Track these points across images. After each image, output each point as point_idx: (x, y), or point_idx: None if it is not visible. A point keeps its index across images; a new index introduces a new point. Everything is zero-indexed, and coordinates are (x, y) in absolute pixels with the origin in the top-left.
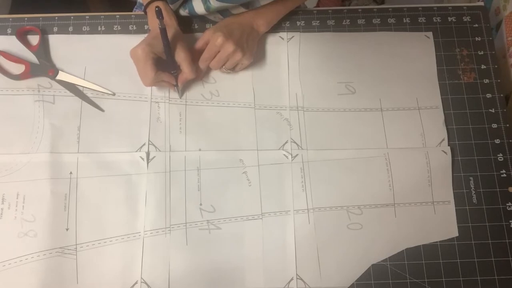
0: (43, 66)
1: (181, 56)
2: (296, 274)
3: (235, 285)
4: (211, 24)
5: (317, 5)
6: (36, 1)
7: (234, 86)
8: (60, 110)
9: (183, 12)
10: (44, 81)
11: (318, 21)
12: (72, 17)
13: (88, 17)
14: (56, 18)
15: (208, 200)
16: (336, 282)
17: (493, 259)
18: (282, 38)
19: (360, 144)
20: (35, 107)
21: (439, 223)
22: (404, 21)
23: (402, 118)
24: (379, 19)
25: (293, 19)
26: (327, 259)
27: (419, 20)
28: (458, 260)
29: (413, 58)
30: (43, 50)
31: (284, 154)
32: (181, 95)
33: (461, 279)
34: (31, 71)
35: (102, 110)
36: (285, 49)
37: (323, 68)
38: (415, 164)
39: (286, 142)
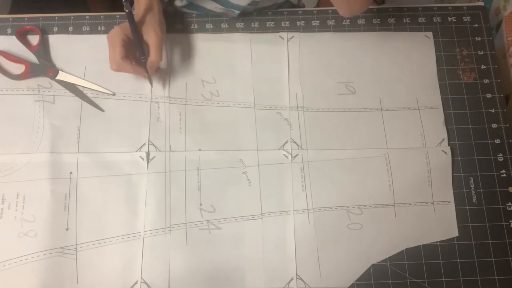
0: (43, 66)
1: (152, 39)
2: (296, 274)
3: (235, 285)
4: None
5: (317, 5)
6: (36, 1)
7: (234, 86)
8: (60, 110)
9: (180, 2)
10: (44, 81)
11: (318, 21)
12: (72, 17)
13: (88, 17)
14: (56, 18)
15: (208, 200)
16: (336, 282)
17: (493, 259)
18: (282, 38)
19: (360, 144)
20: (35, 107)
21: (439, 223)
22: (404, 21)
23: (402, 118)
24: (379, 19)
25: (293, 19)
26: (327, 259)
27: (419, 20)
28: (458, 260)
29: (413, 58)
30: (43, 50)
31: (284, 154)
32: (152, 83)
33: (461, 279)
34: (31, 71)
35: (102, 110)
36: (285, 49)
37: (323, 68)
38: (415, 164)
39: (286, 142)
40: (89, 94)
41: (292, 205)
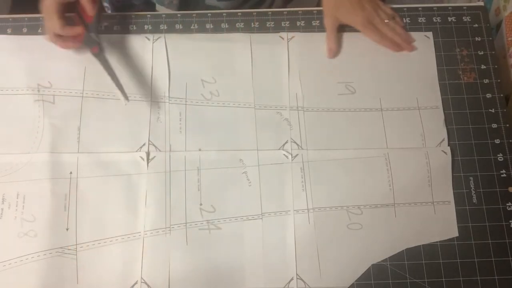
0: (90, 40)
1: None
2: (296, 274)
3: (235, 285)
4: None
5: (317, 5)
6: (36, 1)
7: (234, 86)
8: (60, 110)
9: None
10: (43, 80)
11: (318, 21)
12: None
13: None
14: None
15: (208, 200)
16: (336, 282)
17: (493, 259)
18: (282, 38)
19: (360, 144)
20: (35, 107)
21: (439, 223)
22: (404, 21)
23: (402, 118)
24: None
25: (293, 19)
26: (327, 259)
27: (419, 20)
28: (458, 260)
29: (413, 58)
30: (96, 25)
31: (284, 154)
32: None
33: (461, 279)
34: (84, 38)
35: (127, 99)
36: (285, 49)
37: (323, 68)
38: (415, 164)
39: (286, 142)
40: (89, 94)
41: (292, 205)
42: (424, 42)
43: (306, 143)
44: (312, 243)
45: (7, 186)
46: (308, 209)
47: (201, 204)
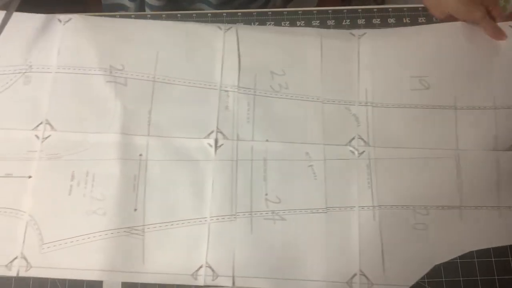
0: None
1: None
2: (360, 269)
3: (297, 275)
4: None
5: (318, 5)
6: (36, 1)
7: (303, 80)
8: (132, 93)
9: None
10: (116, 62)
11: (318, 21)
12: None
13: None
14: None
15: (274, 191)
16: (399, 280)
17: (493, 259)
18: (353, 35)
19: (429, 143)
20: (106, 88)
21: (505, 227)
22: (404, 21)
23: (476, 118)
24: (379, 19)
25: (293, 19)
26: (391, 257)
27: (419, 20)
28: (458, 260)
29: (496, 51)
30: None
31: (351, 150)
32: None
33: (461, 279)
34: None
35: None
36: (356, 45)
37: (396, 63)
38: (485, 167)
39: (353, 138)
40: (160, 79)
41: (357, 201)
42: (509, 33)
43: (373, 140)
44: (376, 240)
45: (77, 164)
46: (373, 206)
47: (266, 194)
